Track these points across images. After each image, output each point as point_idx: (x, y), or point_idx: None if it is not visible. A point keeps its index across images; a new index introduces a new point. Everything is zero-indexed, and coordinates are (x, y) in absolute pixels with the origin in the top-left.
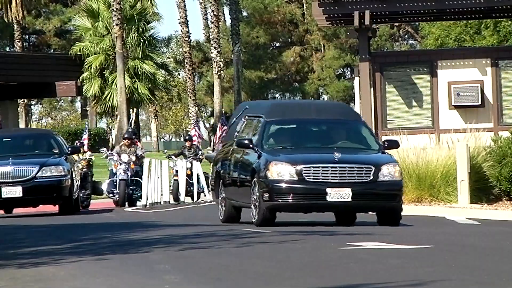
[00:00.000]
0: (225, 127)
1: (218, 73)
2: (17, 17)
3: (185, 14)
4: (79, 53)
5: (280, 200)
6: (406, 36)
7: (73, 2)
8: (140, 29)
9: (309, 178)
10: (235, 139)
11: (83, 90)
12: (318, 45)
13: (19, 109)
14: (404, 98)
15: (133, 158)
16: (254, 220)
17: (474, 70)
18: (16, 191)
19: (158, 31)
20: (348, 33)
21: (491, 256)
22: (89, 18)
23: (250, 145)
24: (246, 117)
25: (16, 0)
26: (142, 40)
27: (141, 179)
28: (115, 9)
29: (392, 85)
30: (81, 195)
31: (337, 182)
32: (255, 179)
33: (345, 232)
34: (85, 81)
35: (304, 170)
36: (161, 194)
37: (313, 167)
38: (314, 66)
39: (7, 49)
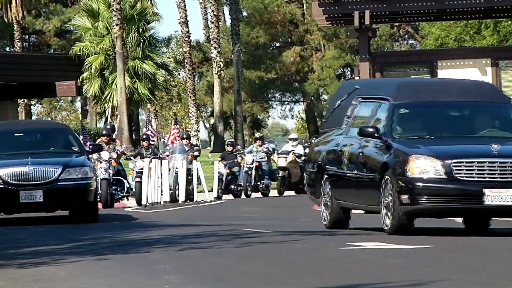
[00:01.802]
0: (177, 127)
1: (218, 73)
2: (17, 17)
3: (185, 14)
4: (79, 53)
5: (423, 204)
6: (406, 36)
7: (73, 2)
8: (140, 29)
9: (461, 176)
10: (347, 126)
11: (83, 90)
12: (318, 45)
13: (19, 109)
14: None
15: (114, 155)
16: (386, 227)
17: (474, 70)
18: (37, 196)
19: (158, 31)
20: (348, 33)
21: (491, 256)
22: (89, 18)
23: (376, 134)
24: (359, 99)
25: (16, 0)
26: (142, 40)
27: (124, 178)
28: (115, 9)
29: None
30: None
31: (497, 182)
32: (387, 176)
33: (345, 232)
34: (85, 81)
35: (455, 166)
36: (161, 194)
37: (466, 162)
38: (314, 66)
39: (7, 49)
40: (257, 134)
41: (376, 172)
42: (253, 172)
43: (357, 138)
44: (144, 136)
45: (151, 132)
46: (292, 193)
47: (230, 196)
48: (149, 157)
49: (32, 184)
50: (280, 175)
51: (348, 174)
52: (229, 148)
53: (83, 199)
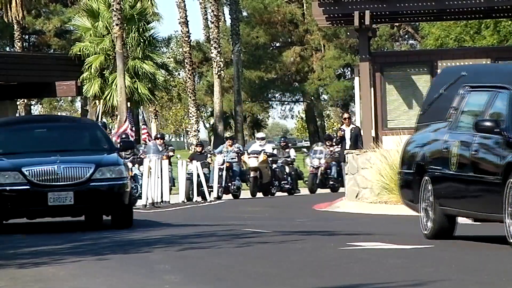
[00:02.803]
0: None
1: (218, 73)
2: (17, 17)
3: (185, 14)
4: (79, 53)
5: None
6: (406, 36)
7: (73, 2)
8: (140, 29)
9: None
10: (453, 120)
11: (83, 90)
12: (318, 45)
13: (19, 109)
14: (404, 98)
15: None
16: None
17: None
18: (67, 198)
19: (158, 31)
20: (348, 33)
21: (491, 256)
22: (89, 18)
23: (496, 129)
24: (467, 87)
25: (16, 0)
26: (142, 40)
27: None
28: (115, 9)
29: (392, 85)
30: None
31: None
32: None
33: (345, 232)
34: (85, 81)
35: None
36: (161, 194)
37: None
38: (314, 66)
39: (7, 49)
40: (258, 135)
41: (497, 174)
42: (224, 173)
43: (469, 133)
44: (124, 136)
45: (130, 131)
46: (279, 194)
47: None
48: (128, 158)
49: (61, 185)
50: (251, 175)
51: (458, 176)
52: (198, 149)
53: (118, 202)
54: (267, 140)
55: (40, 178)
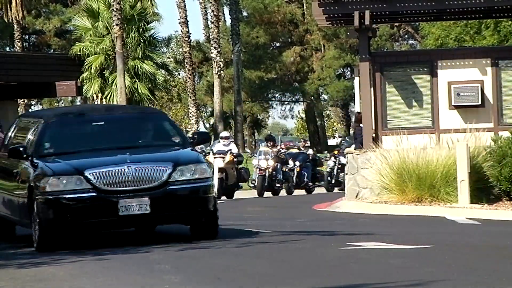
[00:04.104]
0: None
1: (218, 73)
2: (17, 17)
3: (185, 14)
4: (79, 53)
5: None
6: (406, 36)
7: (73, 2)
8: (140, 29)
9: None
10: None
11: (83, 90)
12: (318, 45)
13: (19, 109)
14: (404, 98)
15: None
16: None
17: (474, 70)
18: (142, 205)
19: (158, 31)
20: (348, 33)
21: (491, 256)
22: (89, 18)
23: None
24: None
25: (16, 0)
26: (142, 40)
27: None
28: (115, 9)
29: (392, 85)
30: None
31: None
32: None
33: (345, 232)
34: (85, 81)
35: None
36: None
37: None
38: (314, 66)
39: (7, 49)
40: (222, 134)
41: None
42: None
43: None
44: None
45: None
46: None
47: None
48: None
49: (133, 190)
50: (218, 177)
51: None
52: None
53: (203, 208)
54: (231, 139)
55: (108, 183)
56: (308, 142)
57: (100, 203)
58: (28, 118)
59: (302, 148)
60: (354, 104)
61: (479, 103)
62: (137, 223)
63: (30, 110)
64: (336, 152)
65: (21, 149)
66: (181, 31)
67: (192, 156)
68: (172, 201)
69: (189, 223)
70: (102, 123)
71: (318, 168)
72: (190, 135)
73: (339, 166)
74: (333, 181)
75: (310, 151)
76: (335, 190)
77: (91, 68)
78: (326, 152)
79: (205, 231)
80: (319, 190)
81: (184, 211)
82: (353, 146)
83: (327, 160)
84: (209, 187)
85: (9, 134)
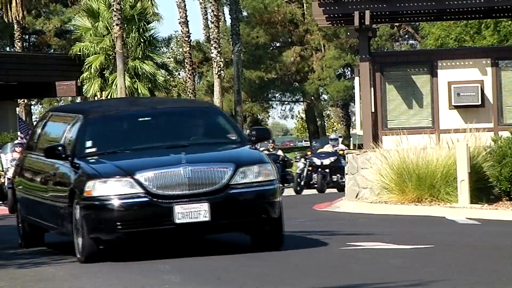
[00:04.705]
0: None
1: (218, 73)
2: (17, 17)
3: (185, 14)
4: (79, 53)
5: None
6: (406, 36)
7: (73, 2)
8: (140, 29)
9: None
10: None
11: (83, 90)
12: (318, 45)
13: (19, 109)
14: (404, 98)
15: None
16: None
17: (474, 70)
18: (201, 211)
19: (158, 31)
20: (348, 33)
21: (491, 256)
22: (89, 18)
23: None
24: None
25: (16, 0)
26: (142, 40)
27: None
28: (115, 9)
29: (392, 85)
30: None
31: None
32: None
33: (345, 232)
34: (85, 81)
35: None
36: None
37: None
38: (314, 66)
39: (7, 49)
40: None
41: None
42: None
43: None
44: (18, 143)
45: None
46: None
47: None
48: None
49: (191, 195)
50: None
51: None
52: None
53: (268, 214)
54: None
55: (162, 186)
56: (278, 143)
57: (154, 209)
58: (62, 113)
59: (271, 150)
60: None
61: (479, 103)
62: (195, 232)
63: (58, 105)
64: (309, 153)
65: (60, 148)
66: (181, 31)
67: (255, 155)
68: (233, 207)
69: (250, 232)
70: (149, 118)
71: (287, 170)
72: (248, 132)
73: (309, 168)
74: (302, 183)
75: (280, 152)
76: (328, 190)
77: (91, 68)
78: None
79: (269, 240)
80: (288, 192)
81: (247, 218)
82: (326, 146)
83: (297, 161)
84: (275, 191)
85: (37, 131)
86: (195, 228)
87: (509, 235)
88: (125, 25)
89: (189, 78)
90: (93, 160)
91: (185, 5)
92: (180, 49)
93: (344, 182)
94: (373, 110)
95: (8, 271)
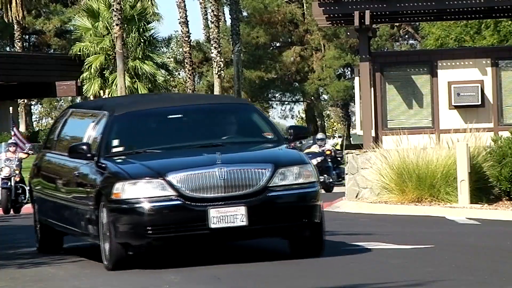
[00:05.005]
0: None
1: (218, 73)
2: (17, 17)
3: (185, 14)
4: (79, 53)
5: None
6: (406, 36)
7: (73, 2)
8: (140, 29)
9: None
10: None
11: (83, 90)
12: (318, 45)
13: (19, 109)
14: (404, 98)
15: (17, 171)
16: None
17: (474, 70)
18: (237, 215)
19: (158, 31)
20: (348, 33)
21: (491, 256)
22: (89, 18)
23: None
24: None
25: (16, 0)
26: (142, 40)
27: (25, 184)
28: (115, 9)
29: (392, 85)
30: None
31: None
32: None
33: (345, 232)
34: (85, 81)
35: None
36: None
37: None
38: (314, 66)
39: (7, 49)
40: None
41: None
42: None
43: None
44: (11, 142)
45: (19, 138)
46: None
47: None
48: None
49: (226, 197)
50: None
51: None
52: None
53: (309, 219)
54: None
55: (195, 188)
56: None
57: (187, 213)
58: (84, 110)
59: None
60: (354, 104)
61: (479, 103)
62: (231, 237)
63: (78, 101)
64: None
65: (84, 147)
66: (181, 31)
67: (294, 155)
68: (272, 211)
69: (289, 237)
70: (180, 115)
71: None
72: (285, 130)
73: None
74: None
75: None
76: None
77: (91, 68)
78: None
79: (309, 246)
80: None
81: (286, 223)
82: (313, 146)
83: None
84: (316, 194)
85: (57, 129)
86: (231, 233)
87: (509, 235)
88: (125, 25)
89: (189, 78)
90: (120, 160)
91: (185, 5)
92: (180, 49)
93: (331, 182)
94: (373, 110)
95: (8, 271)
